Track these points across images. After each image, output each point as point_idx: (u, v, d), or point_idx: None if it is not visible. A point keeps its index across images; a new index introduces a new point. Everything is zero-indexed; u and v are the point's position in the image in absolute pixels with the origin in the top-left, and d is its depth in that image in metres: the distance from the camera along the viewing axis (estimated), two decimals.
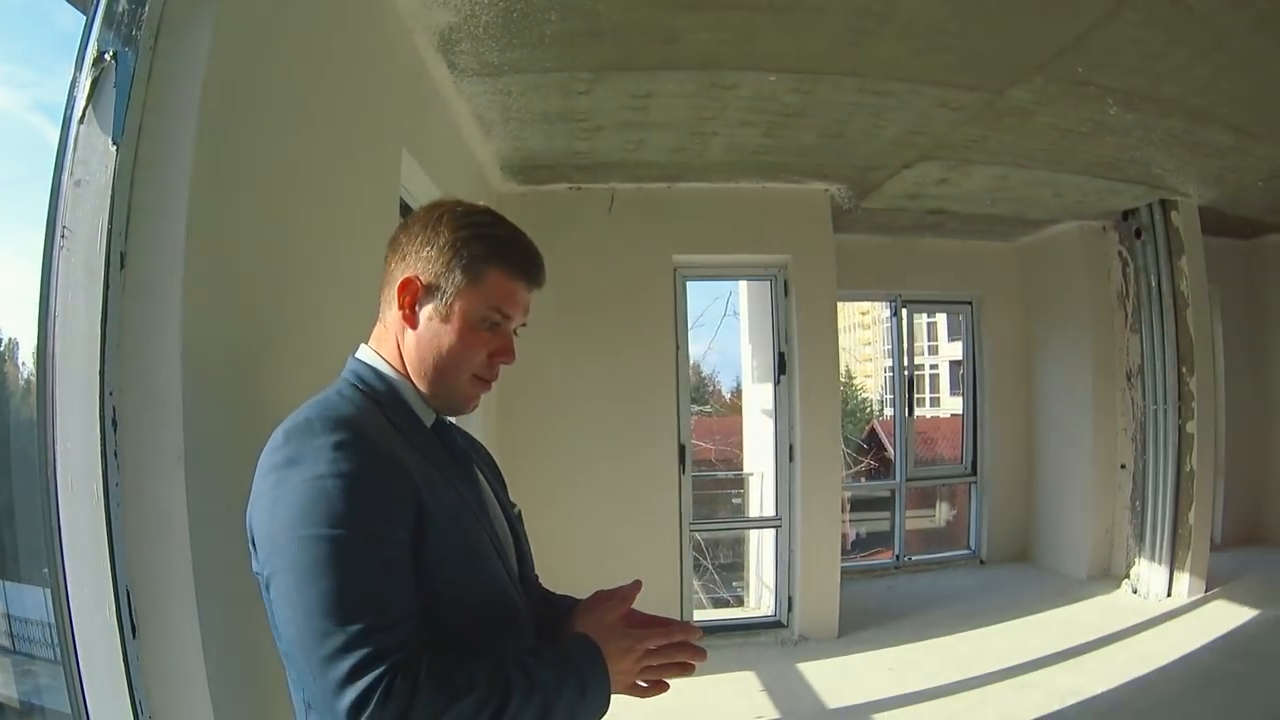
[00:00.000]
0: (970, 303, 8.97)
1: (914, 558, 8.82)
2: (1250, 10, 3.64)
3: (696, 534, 7.14)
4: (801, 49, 4.06)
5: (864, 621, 6.66)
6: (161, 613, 1.63)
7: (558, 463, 6.15)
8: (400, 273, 1.55)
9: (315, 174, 2.48)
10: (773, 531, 6.86)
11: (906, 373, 9.02)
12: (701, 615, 7.72)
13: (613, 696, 1.46)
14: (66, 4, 1.71)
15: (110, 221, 1.60)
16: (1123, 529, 7.70)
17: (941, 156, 5.76)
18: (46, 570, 1.59)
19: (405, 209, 4.02)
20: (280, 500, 1.29)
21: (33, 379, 1.67)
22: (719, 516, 10.55)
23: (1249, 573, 7.44)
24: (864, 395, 34.51)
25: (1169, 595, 6.91)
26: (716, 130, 5.20)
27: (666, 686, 1.53)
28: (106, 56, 1.62)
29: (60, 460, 1.58)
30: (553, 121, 4.93)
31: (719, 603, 11.50)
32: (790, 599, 6.61)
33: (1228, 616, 6.39)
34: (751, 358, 8.15)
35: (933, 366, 33.83)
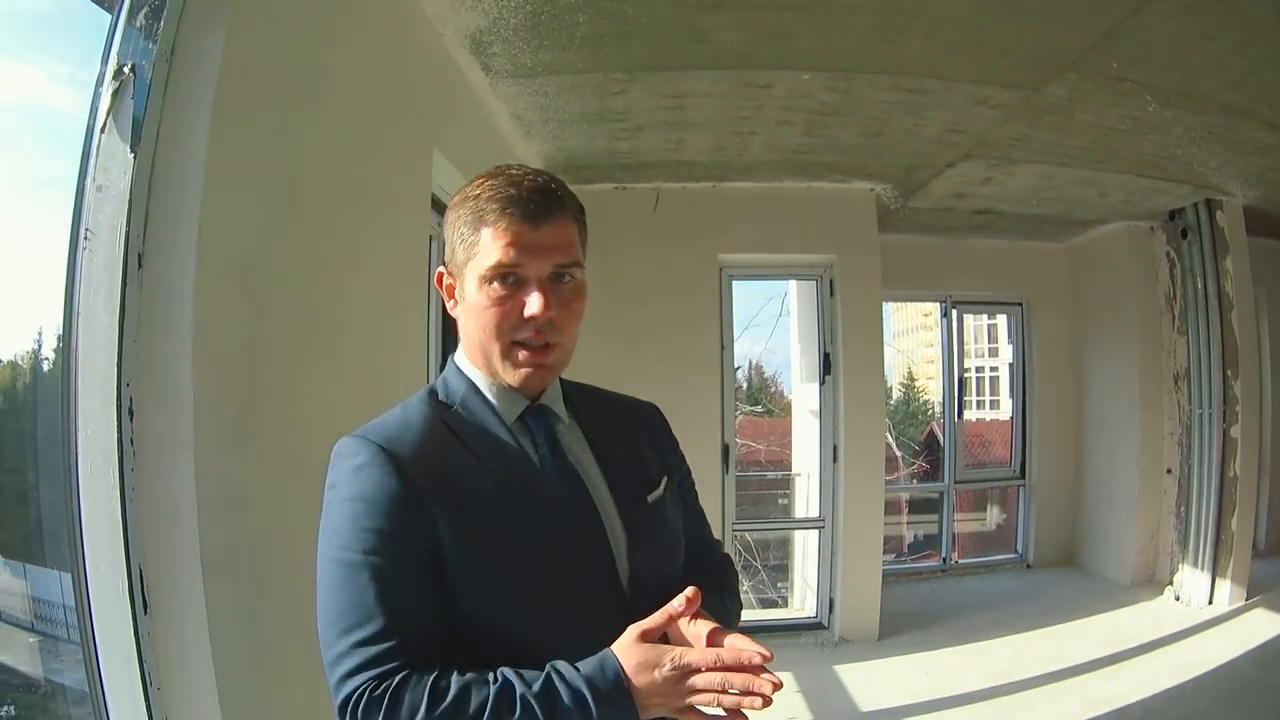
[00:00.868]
0: (1020, 304, 8.87)
1: (960, 561, 8.76)
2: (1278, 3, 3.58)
3: (746, 534, 7.15)
4: (832, 47, 4.06)
5: (905, 625, 6.66)
6: (171, 591, 1.72)
7: None
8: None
9: (336, 176, 2.56)
10: (815, 532, 6.88)
11: (958, 374, 8.96)
12: (745, 615, 7.74)
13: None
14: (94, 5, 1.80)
15: (129, 224, 1.70)
16: (1167, 534, 7.58)
17: (984, 155, 5.71)
18: (67, 551, 1.69)
19: (441, 207, 4.11)
20: (322, 521, 1.35)
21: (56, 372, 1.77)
22: (767, 516, 10.53)
23: None
24: (925, 397, 34.11)
25: (1210, 603, 6.80)
26: (755, 129, 5.22)
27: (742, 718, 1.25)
28: (125, 69, 1.72)
29: (81, 447, 1.67)
30: (591, 121, 4.98)
31: (767, 603, 11.47)
32: (832, 600, 6.62)
33: (1267, 626, 6.29)
34: (800, 357, 8.16)
35: (993, 369, 33.35)
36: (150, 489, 1.71)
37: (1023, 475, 8.80)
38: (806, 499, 7.63)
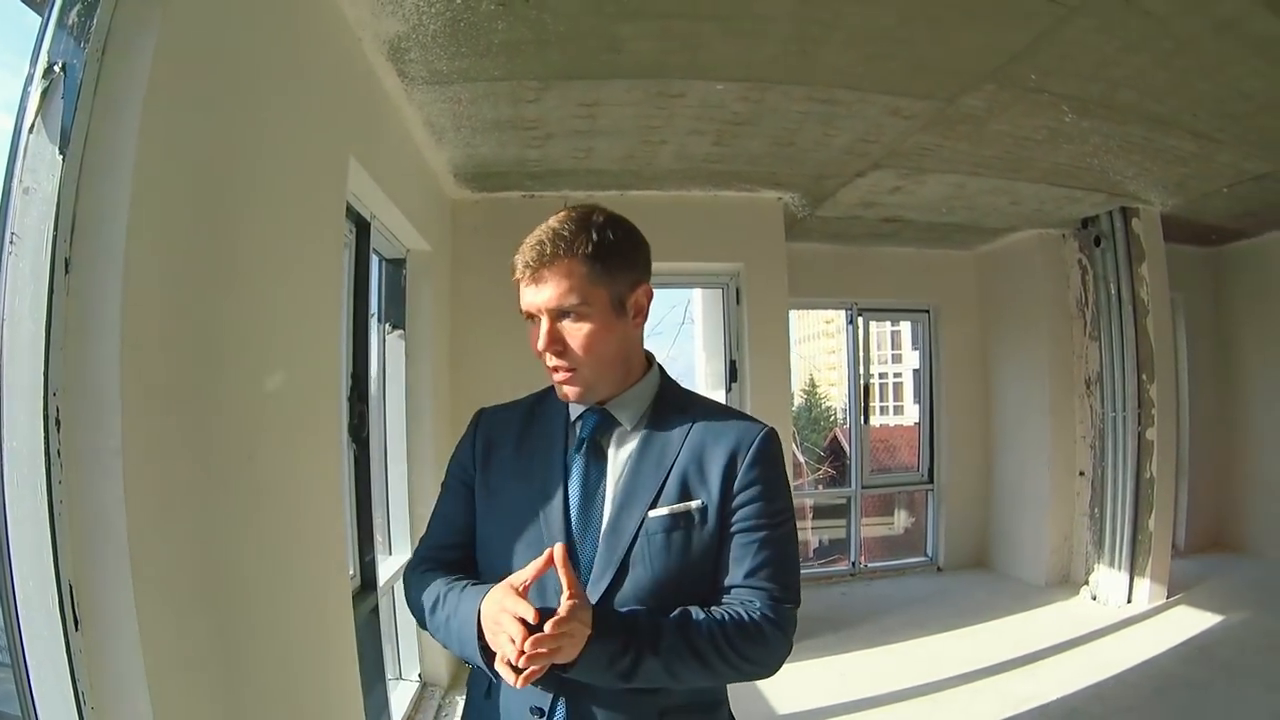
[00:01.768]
0: (928, 311, 9.07)
1: (870, 565, 8.90)
2: (1212, 14, 3.67)
3: None
4: (748, 58, 4.10)
5: (817, 628, 6.69)
6: (102, 607, 1.67)
7: None
8: None
9: (259, 180, 2.52)
10: None
11: (863, 380, 9.12)
12: None
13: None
14: (23, 5, 1.74)
15: (55, 228, 1.65)
16: (1081, 536, 7.81)
17: (894, 165, 5.80)
18: None
19: (354, 216, 4.07)
20: None
21: None
22: None
23: (1212, 578, 7.58)
24: (828, 404, 34.60)
25: (1129, 601, 7.00)
26: (665, 138, 5.24)
27: (525, 673, 1.47)
28: (56, 68, 1.66)
29: (6, 458, 1.61)
30: (503, 129, 4.95)
31: None
32: None
33: (1189, 622, 6.48)
34: (705, 364, 8.20)
35: (896, 375, 33.98)
36: (79, 502, 1.66)
37: (931, 479, 8.99)
38: None
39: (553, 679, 1.56)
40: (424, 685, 5.30)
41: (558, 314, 1.65)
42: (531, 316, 1.68)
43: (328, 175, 3.29)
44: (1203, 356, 8.84)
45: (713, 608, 1.64)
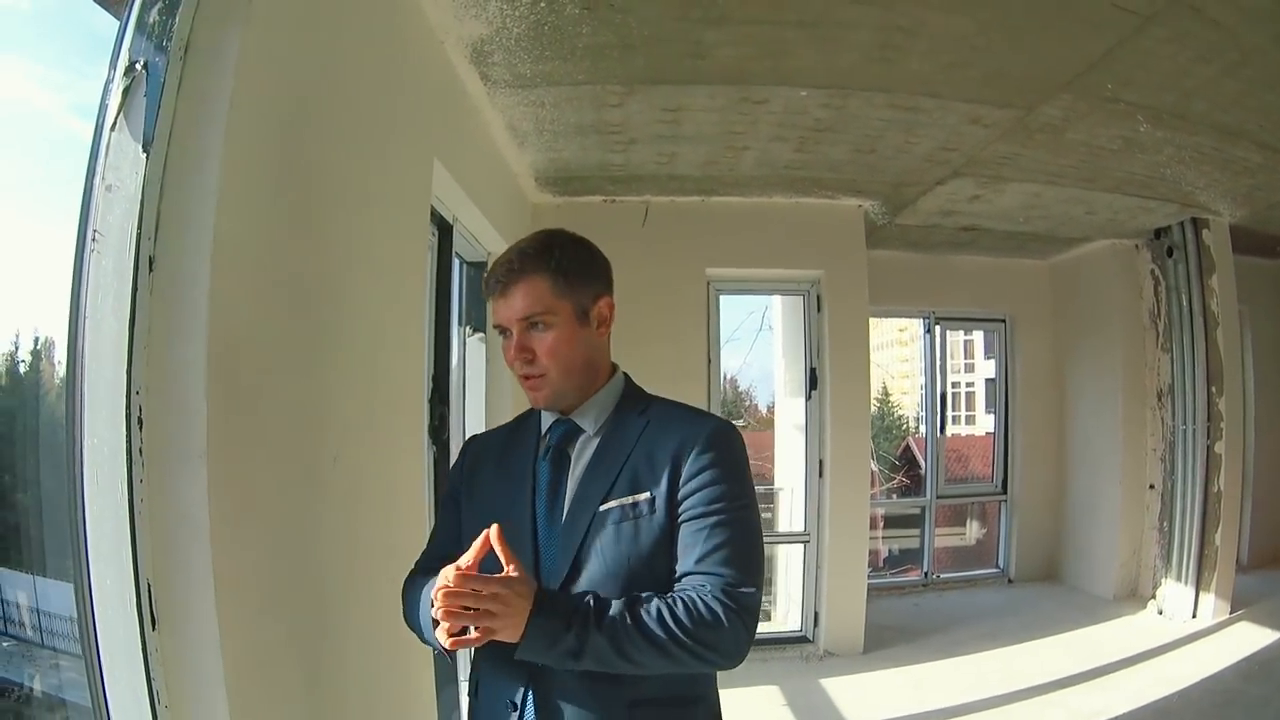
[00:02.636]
0: (1004, 320, 8.95)
1: (942, 575, 8.77)
2: (1275, 26, 3.62)
3: None
4: (831, 64, 4.07)
5: (890, 638, 6.66)
6: (181, 607, 1.66)
7: None
8: None
9: (345, 183, 2.53)
10: (800, 546, 6.84)
11: (939, 390, 8.99)
12: None
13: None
14: (100, 9, 1.76)
15: (139, 226, 1.64)
16: (1150, 549, 7.65)
17: (974, 173, 5.74)
18: (71, 564, 1.63)
19: (438, 219, 4.08)
20: None
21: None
22: None
23: (1275, 594, 7.37)
24: (900, 412, 34.28)
25: (1194, 617, 6.86)
26: (748, 145, 5.22)
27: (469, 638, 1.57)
28: (138, 66, 1.66)
29: (87, 457, 1.61)
30: (586, 134, 4.96)
31: None
32: (817, 614, 6.61)
33: (1252, 639, 6.36)
34: (784, 372, 8.15)
35: (969, 384, 33.52)
36: (160, 501, 1.66)
37: (1004, 490, 8.85)
38: (790, 513, 7.61)
39: (522, 672, 1.68)
40: None
41: (527, 325, 1.79)
42: (504, 331, 1.83)
43: (413, 177, 3.30)
44: (1268, 369, 8.65)
45: (667, 594, 1.67)
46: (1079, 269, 8.45)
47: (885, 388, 34.43)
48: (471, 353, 5.32)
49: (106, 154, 1.65)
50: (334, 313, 2.44)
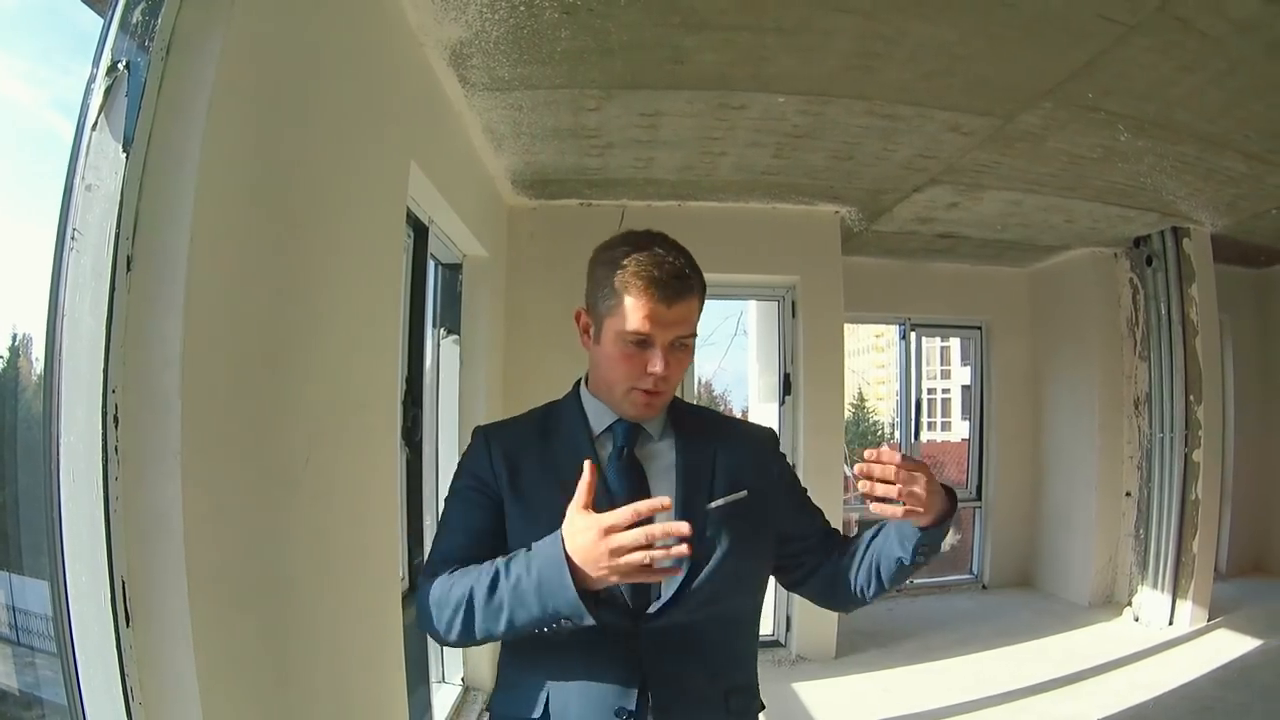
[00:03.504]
0: (980, 327, 9.01)
1: (915, 581, 8.79)
2: (1265, 35, 3.63)
3: None
4: (810, 71, 4.08)
5: (862, 643, 6.69)
6: (155, 605, 1.67)
7: None
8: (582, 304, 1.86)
9: (323, 184, 2.53)
10: None
11: (914, 396, 9.05)
12: None
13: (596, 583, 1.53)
14: (83, 5, 1.76)
15: (118, 225, 1.65)
16: (1126, 556, 7.71)
17: (952, 181, 5.78)
18: (46, 562, 1.63)
19: (413, 221, 4.09)
20: None
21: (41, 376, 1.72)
22: None
23: (1253, 602, 7.46)
24: (876, 418, 34.45)
25: (1171, 624, 6.90)
26: (725, 150, 5.23)
27: (655, 574, 1.53)
28: (120, 65, 1.67)
29: (64, 454, 1.61)
30: (563, 137, 4.97)
31: None
32: (789, 618, 6.64)
33: (1230, 646, 6.42)
34: (758, 377, 8.18)
35: (945, 391, 33.71)
36: (135, 499, 1.66)
37: (979, 497, 8.91)
38: None
39: (635, 675, 1.68)
40: (466, 689, 5.31)
41: (677, 341, 1.74)
42: (639, 339, 1.72)
43: (390, 179, 3.31)
44: (1247, 378, 8.73)
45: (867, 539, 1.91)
46: (1057, 277, 8.53)
47: (861, 393, 34.59)
48: (445, 355, 5.32)
49: (87, 153, 1.66)
50: (309, 313, 2.44)
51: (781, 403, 6.90)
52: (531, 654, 1.76)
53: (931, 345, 28.15)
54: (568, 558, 1.50)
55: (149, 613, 1.67)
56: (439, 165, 4.01)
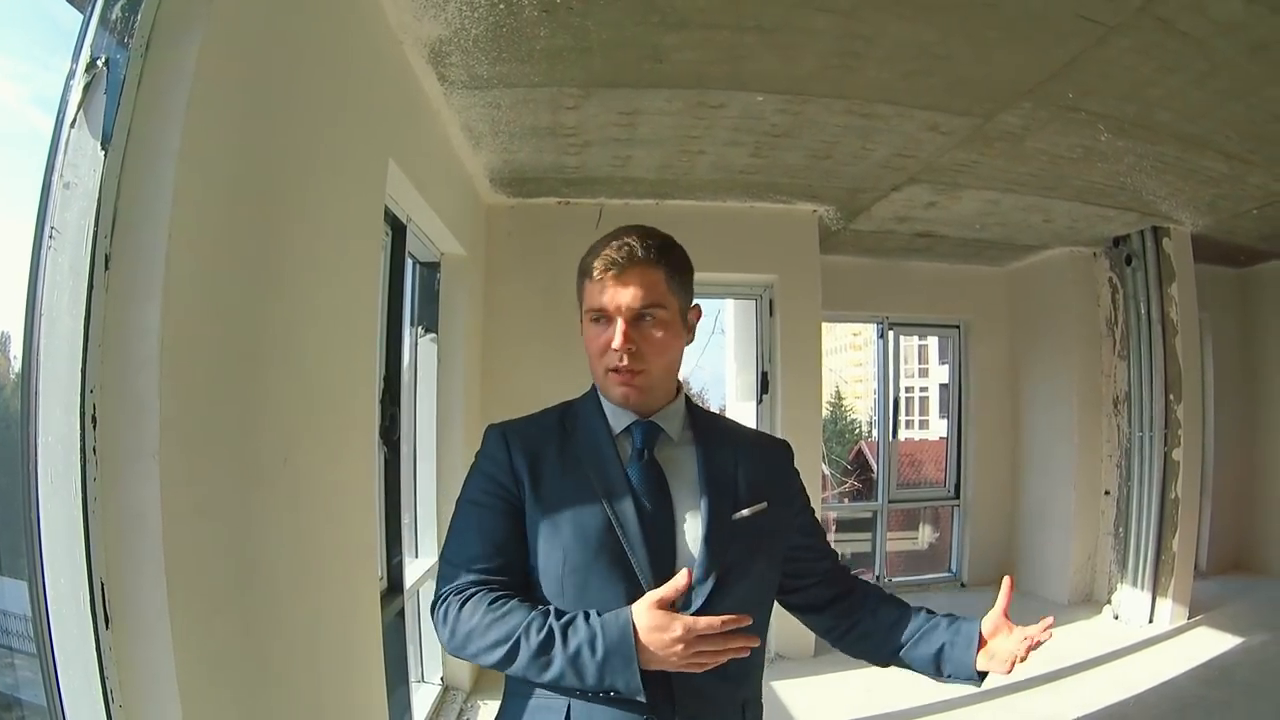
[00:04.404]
0: (958, 326, 9.03)
1: (895, 579, 8.85)
2: (1247, 36, 3.64)
3: None
4: (789, 70, 4.08)
5: None
6: (134, 606, 1.66)
7: None
8: None
9: (301, 182, 2.53)
10: None
11: (892, 395, 9.08)
12: None
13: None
14: (64, 1, 1.75)
15: (96, 224, 1.64)
16: (1105, 555, 7.76)
17: (930, 180, 5.79)
18: (25, 563, 1.62)
19: (391, 219, 4.07)
20: None
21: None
22: None
23: (1233, 600, 7.51)
24: (853, 416, 34.56)
25: (1151, 621, 6.93)
26: (703, 149, 5.23)
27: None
28: (99, 62, 1.66)
29: (41, 454, 1.61)
30: (541, 136, 4.96)
31: None
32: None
33: (1210, 643, 6.46)
34: (735, 376, 8.18)
35: (923, 389, 33.87)
36: (113, 499, 1.66)
37: (957, 495, 8.94)
38: None
39: (664, 686, 1.63)
40: (446, 689, 5.30)
41: (637, 315, 1.71)
42: (601, 317, 1.74)
43: (368, 177, 3.30)
44: (1227, 377, 8.77)
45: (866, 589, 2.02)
46: (1035, 276, 8.56)
47: (839, 392, 34.70)
48: (423, 353, 5.31)
49: (66, 151, 1.65)
50: (287, 312, 2.43)
51: (759, 401, 6.90)
52: None
53: (909, 344, 28.24)
54: (636, 648, 1.55)
55: (128, 613, 1.66)
56: (417, 163, 4.00)
